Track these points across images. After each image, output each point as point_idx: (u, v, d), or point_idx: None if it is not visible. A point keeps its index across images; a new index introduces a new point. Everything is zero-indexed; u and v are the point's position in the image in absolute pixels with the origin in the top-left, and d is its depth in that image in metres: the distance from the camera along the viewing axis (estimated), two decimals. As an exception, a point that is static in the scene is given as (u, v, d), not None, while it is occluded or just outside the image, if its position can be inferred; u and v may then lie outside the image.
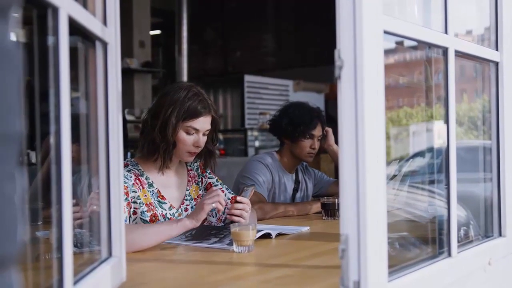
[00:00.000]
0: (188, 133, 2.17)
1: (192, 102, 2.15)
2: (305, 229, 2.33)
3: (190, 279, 1.57)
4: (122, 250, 1.39)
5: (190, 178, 2.35)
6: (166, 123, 2.13)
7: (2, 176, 0.56)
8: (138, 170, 2.20)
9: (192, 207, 2.29)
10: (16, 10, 0.60)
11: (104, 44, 1.34)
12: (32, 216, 1.38)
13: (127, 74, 7.06)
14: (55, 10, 0.99)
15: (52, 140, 1.01)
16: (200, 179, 2.39)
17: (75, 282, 1.09)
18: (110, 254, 1.36)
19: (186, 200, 2.30)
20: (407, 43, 1.54)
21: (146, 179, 2.20)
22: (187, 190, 2.32)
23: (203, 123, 2.19)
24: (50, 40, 1.01)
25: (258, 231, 2.01)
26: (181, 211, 2.26)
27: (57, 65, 1.00)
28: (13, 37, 0.59)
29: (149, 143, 2.18)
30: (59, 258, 1.00)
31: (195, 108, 2.15)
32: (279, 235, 2.16)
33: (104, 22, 1.34)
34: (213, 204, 1.96)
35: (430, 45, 1.54)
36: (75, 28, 1.11)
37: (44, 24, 1.01)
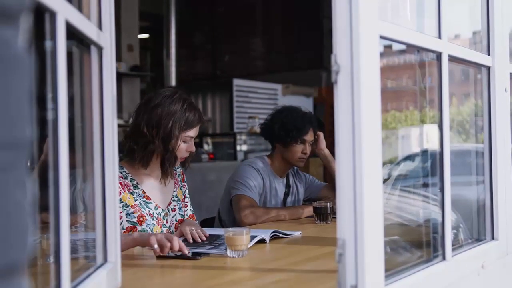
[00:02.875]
0: (184, 141, 2.27)
1: (189, 113, 2.26)
2: (298, 233, 2.33)
3: (185, 285, 1.57)
4: (118, 255, 1.38)
5: (176, 181, 2.44)
6: (169, 135, 2.21)
7: (13, 183, 0.55)
8: (121, 173, 2.24)
9: (179, 207, 2.40)
10: (27, 16, 0.60)
11: (100, 49, 1.33)
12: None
13: (115, 78, 7.01)
14: (53, 14, 0.98)
15: (49, 144, 1.00)
16: (182, 185, 2.49)
17: (72, 288, 1.08)
18: (105, 259, 1.35)
19: (174, 200, 2.39)
20: (395, 47, 1.55)
21: (130, 181, 2.25)
22: (174, 191, 2.40)
23: (197, 130, 2.32)
24: (47, 44, 1.01)
25: (252, 236, 2.01)
26: (168, 210, 2.34)
27: (55, 69, 1.00)
28: (23, 43, 0.59)
29: (149, 154, 2.23)
30: (56, 264, 0.99)
31: (194, 119, 2.27)
32: (274, 238, 2.16)
33: (100, 26, 1.33)
34: (155, 246, 1.81)
35: (425, 50, 1.55)
36: (71, 33, 1.10)
37: (41, 28, 1.01)
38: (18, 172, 0.56)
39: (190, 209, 2.50)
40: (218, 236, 2.16)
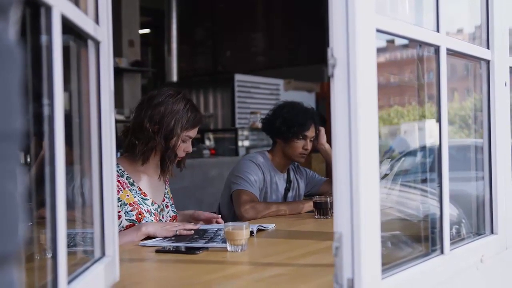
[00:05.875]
0: (183, 141, 2.31)
1: (191, 113, 2.30)
2: (272, 226, 2.36)
3: (184, 279, 1.57)
4: (116, 249, 1.38)
5: (166, 180, 2.48)
6: (171, 133, 2.25)
7: (4, 173, 0.56)
8: (118, 171, 2.26)
9: (171, 204, 2.45)
10: (16, 9, 0.60)
11: (97, 43, 1.33)
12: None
13: (116, 73, 7.03)
14: (48, 8, 0.98)
15: (45, 140, 1.00)
16: (169, 184, 2.53)
17: (69, 282, 1.08)
18: (103, 253, 1.35)
19: (166, 197, 2.44)
20: (398, 41, 1.55)
21: (126, 179, 2.28)
22: (166, 188, 2.45)
23: (196, 131, 2.36)
24: (43, 38, 1.01)
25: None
26: (163, 206, 2.39)
27: (50, 64, 1.00)
28: (13, 36, 0.59)
29: (150, 150, 2.27)
30: (53, 258, 1.00)
31: (195, 119, 2.31)
32: (259, 231, 2.21)
33: (97, 21, 1.33)
34: (177, 232, 2.12)
35: (422, 43, 1.55)
36: (67, 27, 1.10)
37: (37, 22, 1.01)
38: (9, 163, 0.57)
39: (173, 210, 2.50)
40: (206, 230, 2.19)
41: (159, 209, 2.35)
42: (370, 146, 1.18)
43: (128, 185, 2.27)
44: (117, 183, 2.21)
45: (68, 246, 1.10)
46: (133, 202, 2.24)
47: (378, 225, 1.21)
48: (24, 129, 0.61)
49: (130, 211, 2.22)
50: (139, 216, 2.23)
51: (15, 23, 0.60)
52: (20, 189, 0.59)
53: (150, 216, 2.27)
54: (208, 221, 2.41)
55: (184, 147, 2.32)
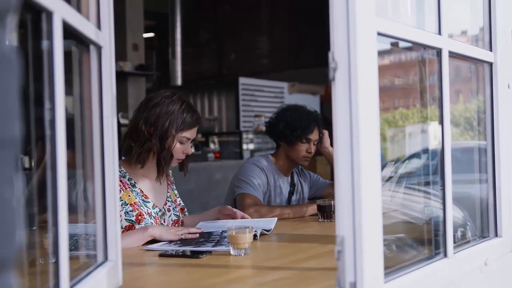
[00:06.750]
0: (181, 142, 2.30)
1: (186, 114, 2.29)
2: (274, 220, 2.39)
3: (187, 283, 1.57)
4: (118, 254, 1.38)
5: (169, 183, 2.48)
6: (166, 134, 2.25)
7: (1, 180, 0.56)
8: (120, 172, 2.26)
9: (173, 208, 2.43)
10: (13, 15, 0.60)
11: (98, 48, 1.34)
12: (27, 221, 1.38)
13: (121, 77, 7.04)
14: (49, 14, 0.99)
15: (47, 144, 1.00)
16: (173, 186, 2.53)
17: (71, 286, 1.08)
18: (106, 258, 1.35)
19: (168, 201, 2.43)
20: (402, 44, 1.55)
21: (128, 180, 2.29)
22: (168, 192, 2.45)
23: (195, 132, 2.35)
24: (44, 44, 1.01)
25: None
26: (165, 210, 2.39)
27: (52, 69, 1.00)
28: (10, 41, 0.59)
29: (146, 152, 2.26)
30: (55, 263, 1.00)
31: (191, 120, 2.30)
32: (262, 234, 2.20)
33: (98, 26, 1.34)
34: (182, 236, 2.11)
35: (424, 46, 1.54)
36: (69, 32, 1.11)
37: (38, 28, 1.01)
38: (7, 170, 0.57)
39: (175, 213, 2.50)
40: (211, 233, 2.19)
41: (160, 213, 2.34)
42: (372, 149, 1.18)
43: (130, 186, 2.27)
44: (119, 183, 2.21)
45: (70, 250, 1.10)
46: (134, 203, 2.24)
47: (380, 228, 1.20)
48: (23, 135, 0.62)
49: (130, 211, 2.22)
50: (139, 218, 2.23)
51: (13, 29, 0.60)
52: (18, 195, 0.59)
53: (150, 218, 2.27)
54: (233, 217, 2.44)
55: (182, 149, 2.30)
